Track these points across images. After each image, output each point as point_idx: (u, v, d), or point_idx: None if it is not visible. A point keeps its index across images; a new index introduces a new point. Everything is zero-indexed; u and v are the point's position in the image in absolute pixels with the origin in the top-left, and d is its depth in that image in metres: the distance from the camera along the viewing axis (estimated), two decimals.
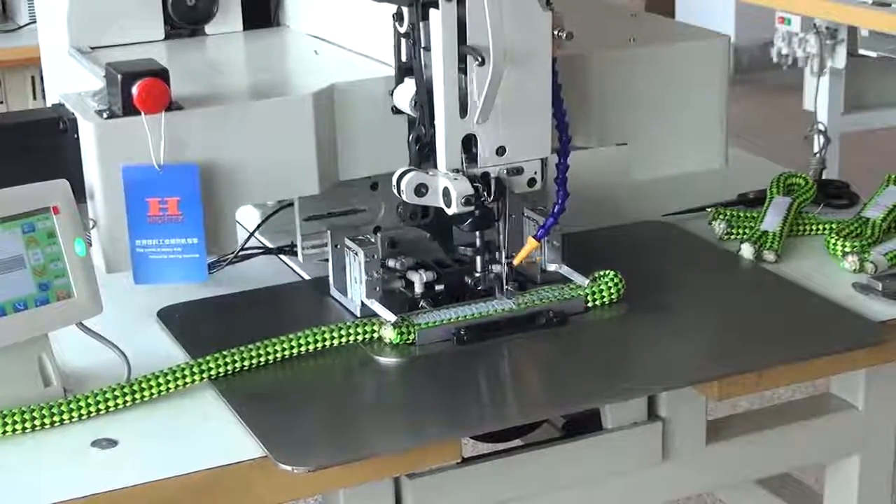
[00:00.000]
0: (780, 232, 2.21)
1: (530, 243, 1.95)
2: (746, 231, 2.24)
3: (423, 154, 1.89)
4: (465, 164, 1.84)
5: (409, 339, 1.88)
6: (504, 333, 1.92)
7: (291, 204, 2.06)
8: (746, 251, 2.18)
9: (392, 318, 1.89)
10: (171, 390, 1.76)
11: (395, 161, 1.92)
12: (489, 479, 1.87)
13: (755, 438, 2.07)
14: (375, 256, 1.94)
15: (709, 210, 2.32)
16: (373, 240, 1.96)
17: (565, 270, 2.02)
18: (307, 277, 2.12)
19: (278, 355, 1.84)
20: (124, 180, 1.80)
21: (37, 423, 1.69)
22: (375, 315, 1.92)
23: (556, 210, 1.93)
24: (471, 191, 1.82)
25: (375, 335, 1.89)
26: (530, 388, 1.92)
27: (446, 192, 1.83)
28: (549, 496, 1.93)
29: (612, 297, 1.99)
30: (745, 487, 2.52)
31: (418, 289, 1.98)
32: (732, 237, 2.25)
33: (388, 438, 1.72)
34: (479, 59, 1.75)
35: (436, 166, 1.86)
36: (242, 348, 1.82)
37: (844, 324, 1.97)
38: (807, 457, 2.21)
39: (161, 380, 1.76)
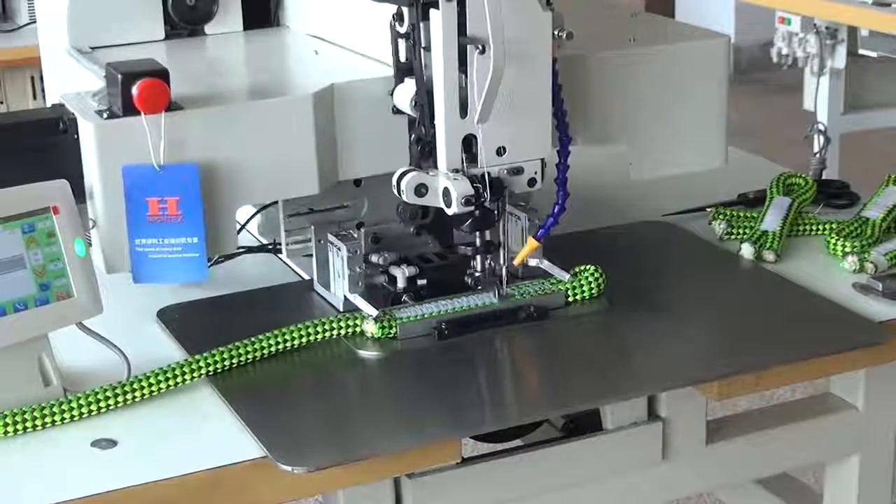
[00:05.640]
0: (780, 232, 2.21)
1: (530, 243, 1.96)
2: (746, 231, 2.24)
3: (423, 154, 1.89)
4: (465, 165, 1.84)
5: (390, 334, 1.90)
6: (485, 328, 1.93)
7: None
8: (746, 251, 2.18)
9: (374, 312, 1.90)
10: (164, 389, 1.77)
11: (395, 161, 1.92)
12: (489, 479, 1.87)
13: (755, 438, 2.07)
14: (358, 252, 1.95)
15: (709, 210, 2.32)
16: (356, 235, 1.97)
17: (546, 265, 2.03)
18: (307, 277, 2.12)
19: (265, 351, 1.85)
20: (124, 180, 1.80)
21: (37, 423, 1.69)
22: (358, 310, 1.93)
23: (556, 210, 1.93)
24: (471, 191, 1.82)
25: (358, 329, 1.90)
26: (530, 388, 1.92)
27: (446, 193, 1.83)
28: (549, 496, 1.93)
29: (593, 291, 2.00)
30: (745, 487, 2.52)
31: (401, 284, 1.99)
32: (732, 237, 2.25)
33: (388, 438, 1.72)
34: (480, 48, 1.75)
35: (436, 166, 1.86)
36: (232, 345, 1.83)
37: (844, 324, 1.97)
38: (807, 457, 2.21)
39: (153, 379, 1.76)
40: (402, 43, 1.87)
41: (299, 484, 1.65)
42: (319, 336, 1.89)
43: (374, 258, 2.01)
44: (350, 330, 1.91)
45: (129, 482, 1.59)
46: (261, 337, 1.86)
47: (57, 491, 1.57)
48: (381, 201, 2.05)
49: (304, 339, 1.88)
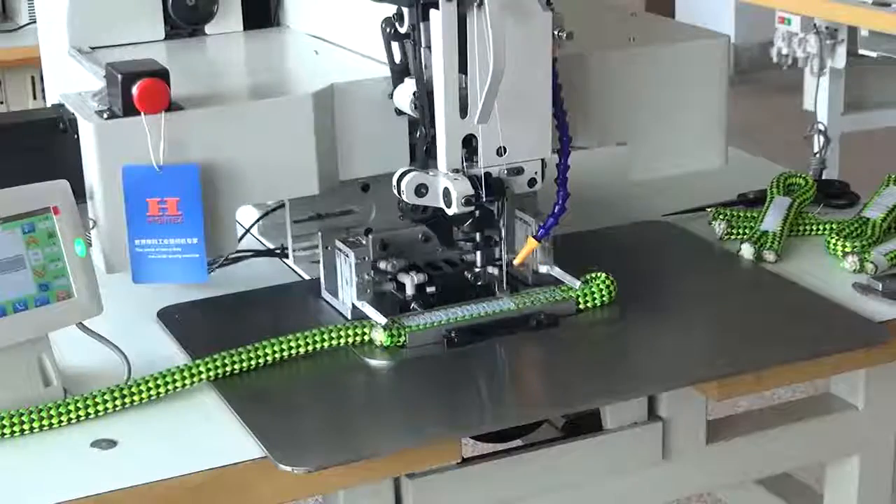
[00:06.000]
0: (780, 232, 2.21)
1: (530, 243, 1.95)
2: (746, 231, 2.24)
3: (424, 154, 1.89)
4: (465, 165, 1.84)
5: (399, 342, 1.87)
6: (495, 335, 1.91)
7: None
8: (746, 251, 2.18)
9: (382, 320, 1.88)
10: (165, 393, 1.76)
11: (395, 161, 1.92)
12: (489, 479, 1.87)
13: (755, 438, 2.07)
14: (366, 258, 1.93)
15: (709, 210, 2.31)
16: (364, 241, 1.95)
17: (557, 272, 2.02)
18: (307, 277, 2.12)
19: (269, 358, 1.83)
20: (124, 180, 1.80)
21: (37, 423, 1.69)
22: (366, 317, 1.91)
23: (556, 210, 1.93)
24: (471, 191, 1.82)
25: (366, 337, 1.88)
26: (530, 389, 1.92)
27: (446, 193, 1.83)
28: (549, 496, 1.93)
29: (604, 298, 1.98)
30: (745, 487, 2.52)
31: (409, 291, 1.97)
32: (732, 237, 2.25)
33: (388, 438, 1.72)
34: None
35: (436, 166, 1.86)
36: (235, 351, 1.81)
37: (844, 324, 1.97)
38: (807, 457, 2.20)
39: (152, 383, 1.75)
40: (395, 45, 1.87)
41: (299, 484, 1.65)
42: (327, 344, 1.86)
43: (382, 265, 1.98)
44: (358, 338, 1.88)
45: (129, 482, 1.59)
46: (265, 344, 1.83)
47: (57, 491, 1.57)
48: (388, 206, 2.02)
49: (310, 347, 1.85)
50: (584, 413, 1.99)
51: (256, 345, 1.83)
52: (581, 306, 1.98)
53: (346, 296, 1.96)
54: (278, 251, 2.19)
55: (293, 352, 1.85)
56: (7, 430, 1.68)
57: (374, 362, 1.85)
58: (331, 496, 1.81)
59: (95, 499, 1.57)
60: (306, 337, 1.85)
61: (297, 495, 1.68)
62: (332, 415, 1.76)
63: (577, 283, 1.99)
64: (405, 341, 1.87)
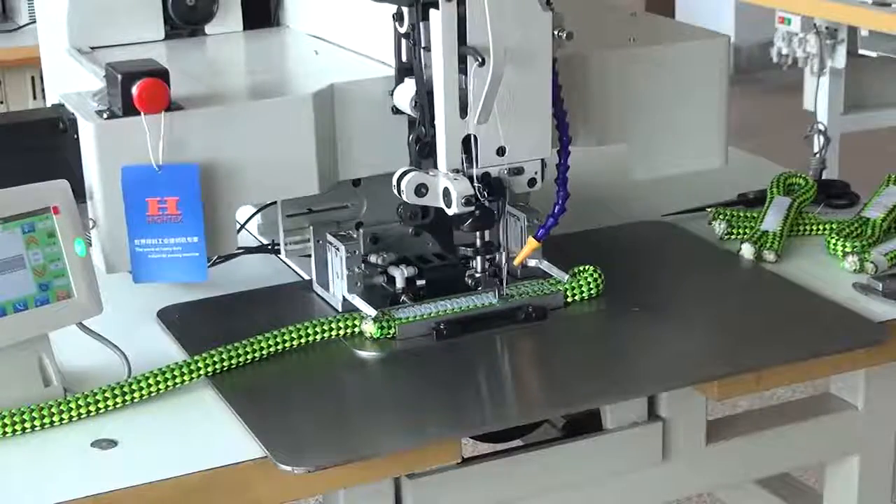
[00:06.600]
0: (780, 232, 2.21)
1: (530, 243, 1.96)
2: (746, 231, 2.24)
3: (423, 154, 1.89)
4: (465, 165, 1.84)
5: (389, 334, 1.90)
6: (484, 328, 1.93)
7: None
8: (746, 251, 2.18)
9: (372, 312, 1.90)
10: (165, 389, 1.76)
11: (395, 161, 1.92)
12: (489, 479, 1.87)
13: (755, 438, 2.07)
14: (357, 252, 1.95)
15: (709, 210, 2.32)
16: (354, 235, 1.98)
17: (545, 266, 2.03)
18: (306, 277, 2.12)
19: (263, 352, 1.85)
20: (124, 180, 1.80)
21: (37, 423, 1.69)
22: (357, 310, 1.93)
23: (556, 210, 1.93)
24: (471, 191, 1.82)
25: (356, 330, 1.90)
26: (530, 389, 1.92)
27: (446, 193, 1.83)
28: (549, 496, 1.93)
29: (592, 292, 2.00)
30: (745, 487, 2.52)
31: (399, 284, 1.99)
32: (732, 237, 2.25)
33: (388, 438, 1.72)
34: (480, 60, 1.76)
35: (436, 166, 1.86)
36: (231, 346, 1.83)
37: (844, 324, 1.97)
38: (807, 457, 2.21)
39: (152, 380, 1.76)
40: (403, 42, 1.87)
41: (299, 484, 1.65)
42: (318, 336, 1.89)
43: (372, 258, 2.01)
44: (349, 330, 1.91)
45: (129, 482, 1.59)
46: (259, 338, 1.86)
47: (57, 491, 1.57)
48: (379, 201, 2.04)
49: (303, 340, 1.88)
50: (584, 413, 1.99)
51: (251, 339, 1.85)
52: (569, 299, 1.99)
53: (337, 289, 1.98)
54: (269, 246, 2.19)
55: (286, 345, 1.86)
56: (7, 430, 1.68)
57: (364, 354, 1.87)
58: (331, 496, 1.81)
59: (95, 499, 1.57)
60: (298, 330, 1.88)
61: (297, 495, 1.68)
62: (331, 413, 1.77)
63: (566, 277, 2.00)
64: (395, 333, 1.90)
